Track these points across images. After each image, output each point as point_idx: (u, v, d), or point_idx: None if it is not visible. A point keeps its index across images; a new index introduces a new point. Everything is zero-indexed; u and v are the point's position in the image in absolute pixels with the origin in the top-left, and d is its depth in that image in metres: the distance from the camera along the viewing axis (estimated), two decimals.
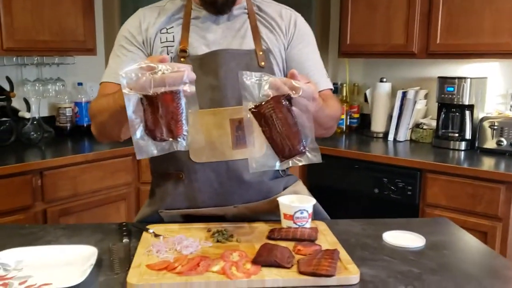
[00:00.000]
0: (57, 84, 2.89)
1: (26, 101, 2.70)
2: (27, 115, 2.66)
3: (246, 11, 1.36)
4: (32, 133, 2.67)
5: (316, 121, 1.10)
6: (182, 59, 1.27)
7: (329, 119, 1.27)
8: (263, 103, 0.98)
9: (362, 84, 3.24)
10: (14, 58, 2.73)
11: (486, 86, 2.66)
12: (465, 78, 2.56)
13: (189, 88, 0.98)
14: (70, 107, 2.94)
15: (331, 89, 1.38)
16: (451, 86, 2.57)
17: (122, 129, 1.21)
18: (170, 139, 1.00)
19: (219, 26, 1.33)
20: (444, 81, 2.62)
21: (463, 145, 2.59)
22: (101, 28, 3.13)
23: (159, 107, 0.97)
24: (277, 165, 1.03)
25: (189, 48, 1.29)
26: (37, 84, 2.81)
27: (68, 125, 2.94)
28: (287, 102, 0.99)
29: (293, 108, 1.00)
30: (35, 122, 2.69)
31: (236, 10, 1.34)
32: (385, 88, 2.96)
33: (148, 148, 1.01)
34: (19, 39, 2.49)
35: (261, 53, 1.30)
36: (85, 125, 3.00)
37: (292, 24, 1.37)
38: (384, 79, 2.97)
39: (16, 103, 2.69)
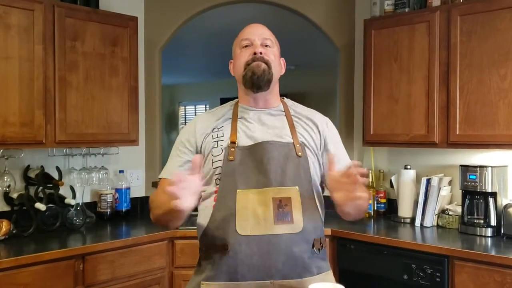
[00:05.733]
0: (101, 172, 3.09)
1: (72, 189, 2.90)
2: (72, 202, 2.84)
3: (283, 113, 1.65)
4: (75, 218, 2.83)
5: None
6: (232, 149, 1.52)
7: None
8: None
9: (387, 170, 3.35)
10: (64, 149, 2.96)
11: (507, 173, 2.74)
12: (486, 166, 2.64)
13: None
14: (111, 194, 3.12)
15: None
16: (473, 174, 2.66)
17: (176, 222, 1.46)
18: None
19: (261, 124, 1.60)
20: (466, 169, 2.72)
21: (489, 232, 2.63)
22: (143, 119, 3.38)
23: None
24: None
25: (237, 140, 1.54)
26: (82, 173, 3.02)
27: (108, 210, 3.11)
28: None
29: None
30: (78, 208, 2.86)
31: (274, 111, 1.64)
32: (409, 175, 3.06)
33: None
34: (70, 132, 2.72)
35: (298, 145, 1.55)
36: (123, 210, 3.17)
37: (325, 125, 1.67)
38: (408, 166, 3.08)
39: (62, 190, 2.89)
